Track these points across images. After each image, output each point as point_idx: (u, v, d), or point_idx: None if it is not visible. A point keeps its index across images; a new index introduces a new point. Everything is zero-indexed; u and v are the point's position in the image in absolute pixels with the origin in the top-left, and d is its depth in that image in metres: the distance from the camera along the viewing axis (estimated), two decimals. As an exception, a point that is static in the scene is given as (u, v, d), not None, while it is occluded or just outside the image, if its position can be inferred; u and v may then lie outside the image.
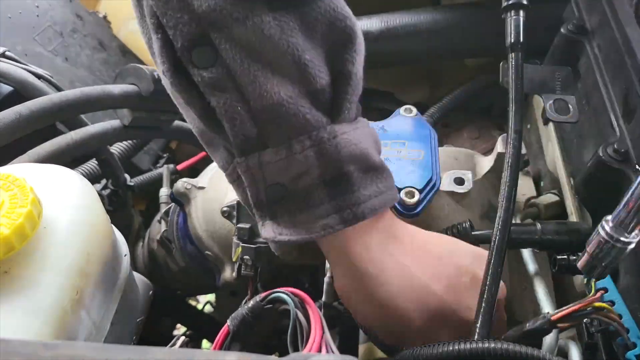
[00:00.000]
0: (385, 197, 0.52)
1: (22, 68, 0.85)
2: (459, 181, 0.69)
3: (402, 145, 0.65)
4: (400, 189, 0.61)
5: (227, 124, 0.46)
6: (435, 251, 0.55)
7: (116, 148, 1.01)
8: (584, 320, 0.55)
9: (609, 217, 0.48)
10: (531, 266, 0.66)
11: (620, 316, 0.51)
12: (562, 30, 0.72)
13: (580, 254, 0.52)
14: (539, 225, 0.61)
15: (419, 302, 0.52)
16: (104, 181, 0.97)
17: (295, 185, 0.49)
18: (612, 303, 0.51)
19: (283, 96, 0.45)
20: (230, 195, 0.73)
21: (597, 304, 0.51)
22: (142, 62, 1.31)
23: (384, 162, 0.53)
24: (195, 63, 0.44)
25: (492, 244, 0.56)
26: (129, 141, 1.04)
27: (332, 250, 0.53)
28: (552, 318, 0.51)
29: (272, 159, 0.48)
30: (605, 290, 0.52)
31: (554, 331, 0.57)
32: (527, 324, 0.52)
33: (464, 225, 0.61)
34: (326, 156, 0.48)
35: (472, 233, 0.61)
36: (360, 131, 0.50)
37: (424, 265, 0.53)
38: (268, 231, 0.51)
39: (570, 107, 0.63)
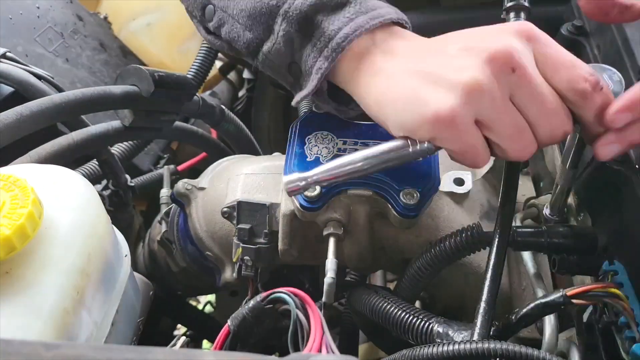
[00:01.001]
0: (356, 22, 0.56)
1: (22, 69, 0.85)
2: (459, 182, 0.69)
3: (402, 146, 0.65)
4: (399, 190, 0.61)
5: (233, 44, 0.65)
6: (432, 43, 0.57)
7: (117, 149, 1.01)
8: (591, 314, 0.56)
9: None
10: (531, 266, 0.66)
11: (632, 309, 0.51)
12: (562, 30, 0.73)
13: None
14: (545, 229, 0.61)
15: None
16: (104, 182, 0.97)
17: (299, 55, 0.59)
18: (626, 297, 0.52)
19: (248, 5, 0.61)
20: (230, 195, 0.73)
21: (614, 290, 0.51)
22: (142, 63, 1.32)
23: None
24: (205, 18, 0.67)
25: (492, 244, 0.56)
26: (130, 142, 1.04)
27: (347, 87, 0.60)
28: (568, 294, 0.51)
29: (269, 49, 0.61)
30: (621, 284, 0.53)
31: (554, 331, 0.57)
32: (542, 297, 0.52)
33: (474, 229, 0.60)
34: (295, 22, 0.58)
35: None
36: None
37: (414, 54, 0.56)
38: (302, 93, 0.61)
39: (570, 107, 0.63)
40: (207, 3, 0.67)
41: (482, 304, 0.52)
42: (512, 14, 0.66)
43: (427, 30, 0.92)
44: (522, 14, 0.66)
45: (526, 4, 0.65)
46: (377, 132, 0.67)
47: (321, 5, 0.57)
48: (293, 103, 0.62)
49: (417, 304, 0.82)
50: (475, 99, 0.49)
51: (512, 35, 0.51)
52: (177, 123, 0.99)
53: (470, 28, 0.55)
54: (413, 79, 0.52)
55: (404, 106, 0.52)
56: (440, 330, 0.56)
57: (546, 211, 0.68)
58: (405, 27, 0.60)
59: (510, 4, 0.65)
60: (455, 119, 0.49)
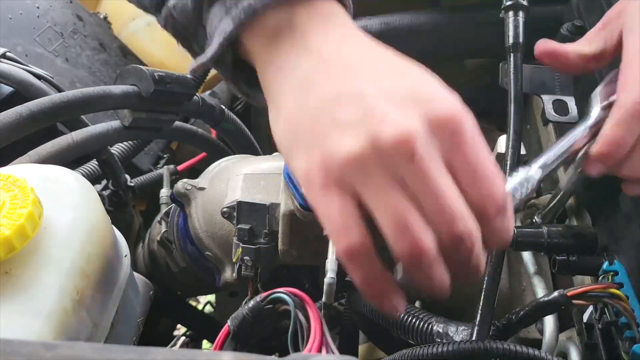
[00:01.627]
0: None
1: (22, 69, 0.85)
2: (459, 182, 0.69)
3: (402, 146, 0.65)
4: (400, 190, 0.61)
5: None
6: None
7: (116, 149, 1.01)
8: (591, 315, 0.56)
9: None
10: (531, 266, 0.66)
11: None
12: (561, 30, 0.73)
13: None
14: (545, 229, 0.61)
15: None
16: (104, 182, 0.97)
17: (207, 15, 0.48)
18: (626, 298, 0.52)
19: None
20: (230, 196, 0.73)
21: (614, 290, 0.51)
22: (142, 63, 1.32)
23: None
24: None
25: (492, 244, 0.56)
26: (130, 142, 1.04)
27: (257, 69, 0.48)
28: (568, 294, 0.51)
29: (175, 3, 0.51)
30: (621, 284, 0.53)
31: (554, 331, 0.57)
32: (543, 297, 0.52)
33: None
34: None
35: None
36: None
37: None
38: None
39: (570, 107, 0.63)
40: None
41: (482, 304, 0.52)
42: (510, 13, 0.65)
43: (427, 30, 0.93)
44: (521, 13, 0.66)
45: (525, 3, 0.65)
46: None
47: None
48: (188, 70, 0.53)
49: (417, 304, 0.82)
50: (353, 172, 0.40)
51: (423, 120, 0.40)
52: (177, 123, 0.99)
53: (404, 69, 0.47)
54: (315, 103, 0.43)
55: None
56: (440, 330, 0.56)
57: (536, 218, 0.68)
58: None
59: (509, 2, 0.65)
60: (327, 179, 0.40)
